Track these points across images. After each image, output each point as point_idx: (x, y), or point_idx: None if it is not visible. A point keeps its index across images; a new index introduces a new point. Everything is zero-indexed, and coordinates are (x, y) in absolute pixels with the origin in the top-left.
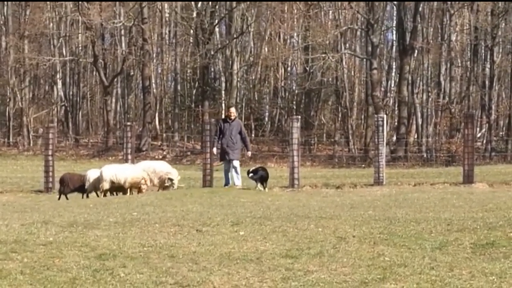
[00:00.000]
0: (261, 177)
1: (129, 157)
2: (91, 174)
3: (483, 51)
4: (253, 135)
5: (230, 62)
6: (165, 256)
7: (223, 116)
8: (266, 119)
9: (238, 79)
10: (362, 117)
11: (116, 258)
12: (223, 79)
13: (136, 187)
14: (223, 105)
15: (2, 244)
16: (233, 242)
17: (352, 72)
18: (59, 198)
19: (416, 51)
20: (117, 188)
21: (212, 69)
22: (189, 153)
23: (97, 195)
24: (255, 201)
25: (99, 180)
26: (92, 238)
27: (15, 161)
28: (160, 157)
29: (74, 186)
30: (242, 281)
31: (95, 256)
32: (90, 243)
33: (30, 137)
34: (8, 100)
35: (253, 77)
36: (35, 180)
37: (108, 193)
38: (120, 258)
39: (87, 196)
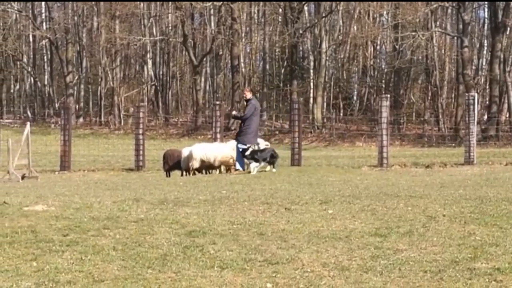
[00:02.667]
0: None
1: (218, 136)
2: (184, 152)
3: None
4: (341, 114)
5: (319, 41)
6: (254, 233)
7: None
8: (355, 98)
9: (327, 58)
10: (453, 95)
11: (206, 235)
12: (311, 58)
13: (225, 165)
14: (312, 84)
15: (95, 220)
16: (322, 220)
17: (443, 50)
18: (166, 176)
19: (508, 28)
20: (207, 166)
21: (301, 48)
22: (277, 132)
23: (187, 174)
24: (343, 180)
25: (189, 158)
26: (182, 216)
27: (106, 140)
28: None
29: (173, 162)
30: (331, 259)
31: (185, 233)
32: (180, 220)
33: (121, 116)
34: (99, 79)
35: (342, 56)
36: (125, 158)
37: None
38: (209, 235)
39: (181, 174)
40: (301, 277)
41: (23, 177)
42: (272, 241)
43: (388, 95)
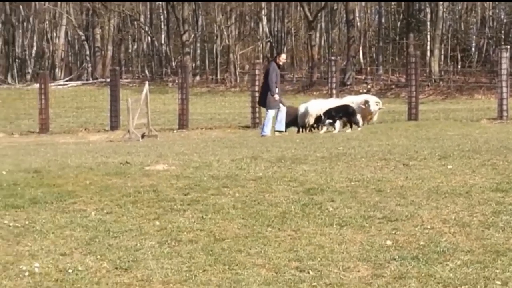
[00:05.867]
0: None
1: (334, 91)
2: (300, 109)
3: None
4: (459, 66)
5: None
6: (373, 190)
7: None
8: (473, 49)
9: (444, 9)
10: None
11: (324, 192)
12: (428, 10)
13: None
14: (428, 36)
15: (214, 179)
16: (441, 176)
17: None
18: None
19: None
20: None
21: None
22: (393, 86)
23: (303, 131)
24: (462, 134)
25: (305, 115)
26: (300, 173)
27: (223, 98)
28: (364, 91)
29: (290, 119)
30: (451, 215)
31: (304, 191)
32: (298, 178)
33: (237, 73)
34: (215, 37)
35: (460, 7)
36: (242, 116)
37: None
38: (328, 193)
39: (298, 131)
40: (421, 234)
41: (142, 136)
42: (391, 197)
43: (508, 46)
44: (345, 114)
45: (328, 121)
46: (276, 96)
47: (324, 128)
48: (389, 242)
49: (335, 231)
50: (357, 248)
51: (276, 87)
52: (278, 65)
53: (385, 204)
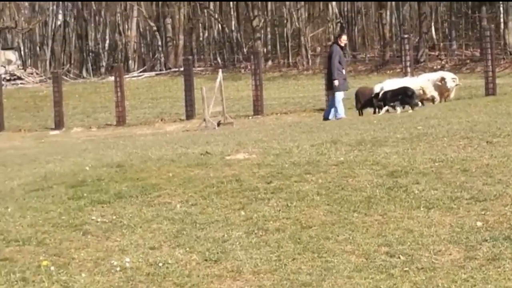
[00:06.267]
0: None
1: (408, 69)
2: (376, 89)
3: None
4: None
5: None
6: (458, 170)
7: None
8: None
9: None
10: None
11: (408, 175)
12: None
13: (420, 99)
14: (501, 8)
15: (296, 166)
16: None
17: None
18: (359, 114)
19: None
20: None
21: None
22: (468, 61)
23: (379, 111)
24: None
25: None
26: (382, 156)
27: (295, 81)
28: (439, 67)
29: (365, 100)
30: None
31: (387, 174)
32: (380, 161)
33: (309, 56)
34: (285, 21)
35: None
36: (316, 99)
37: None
38: (412, 175)
39: (373, 112)
40: (511, 213)
41: (218, 124)
42: (477, 177)
43: None
44: (404, 97)
45: (385, 108)
46: (336, 82)
47: (383, 110)
48: (479, 223)
49: (423, 214)
50: (446, 230)
51: (343, 68)
52: (341, 47)
53: (472, 184)
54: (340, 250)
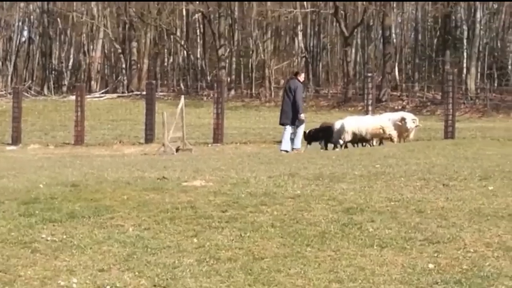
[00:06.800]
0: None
1: (370, 108)
2: (336, 125)
3: None
4: (495, 85)
5: (473, 9)
6: (413, 211)
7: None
8: (510, 67)
9: (481, 27)
10: None
11: (364, 212)
12: (465, 27)
13: (377, 138)
14: (465, 54)
15: (252, 196)
16: (482, 198)
17: None
18: (325, 148)
19: None
20: (359, 139)
21: (454, 18)
22: (429, 103)
23: (339, 147)
24: (501, 153)
25: (340, 131)
26: (338, 192)
27: (257, 112)
28: (400, 107)
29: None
30: (494, 239)
31: (343, 210)
32: (337, 197)
33: (272, 88)
34: (251, 52)
35: (497, 25)
36: (276, 130)
37: (350, 145)
38: (367, 213)
39: (334, 147)
40: (463, 257)
41: (177, 150)
42: (432, 219)
43: None
44: (325, 135)
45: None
46: (303, 115)
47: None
48: (431, 266)
49: (376, 252)
50: (398, 270)
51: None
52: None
53: (426, 225)
54: (291, 284)
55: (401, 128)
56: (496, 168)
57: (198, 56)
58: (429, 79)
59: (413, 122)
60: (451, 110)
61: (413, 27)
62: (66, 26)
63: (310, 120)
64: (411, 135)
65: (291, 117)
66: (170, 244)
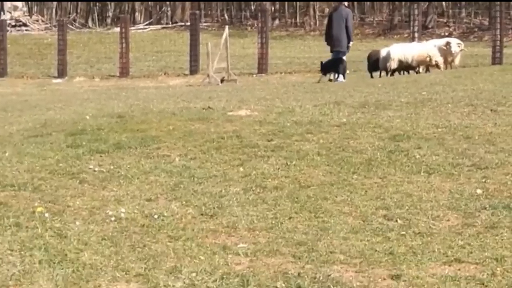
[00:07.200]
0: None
1: (416, 35)
2: (382, 52)
3: None
4: None
5: None
6: (460, 137)
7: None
8: None
9: None
10: None
11: (410, 139)
12: None
13: (424, 65)
14: None
15: (298, 125)
16: None
17: None
18: (371, 77)
19: None
20: (405, 67)
21: None
22: (476, 29)
23: (386, 74)
24: None
25: (386, 59)
26: (384, 119)
27: (302, 41)
28: (447, 34)
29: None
30: None
31: (389, 137)
32: (383, 124)
33: (317, 17)
34: None
35: None
36: (321, 60)
37: (396, 73)
38: (414, 139)
39: (379, 75)
40: None
41: (222, 80)
42: (480, 144)
43: None
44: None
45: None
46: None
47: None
48: (479, 191)
49: (423, 179)
50: (446, 196)
51: None
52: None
53: (474, 151)
54: (337, 211)
55: (446, 53)
56: None
57: None
58: (476, 4)
59: (458, 46)
60: (498, 36)
61: None
62: None
63: (356, 48)
64: (457, 60)
65: (345, 44)
66: (216, 174)
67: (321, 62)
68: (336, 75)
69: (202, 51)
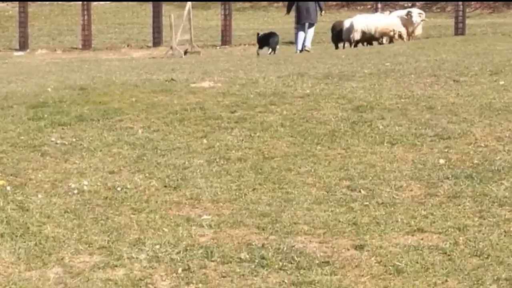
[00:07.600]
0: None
1: (379, 5)
2: (345, 24)
3: None
4: None
5: None
6: (423, 107)
7: None
8: None
9: None
10: None
11: (374, 110)
12: None
13: (387, 37)
14: None
15: (261, 96)
16: (493, 92)
17: None
18: (336, 48)
19: None
20: (368, 38)
21: None
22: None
23: (350, 46)
24: None
25: (350, 30)
26: (348, 90)
27: (265, 13)
28: (409, 5)
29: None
30: (505, 133)
31: (352, 108)
32: (346, 95)
33: None
34: None
35: None
36: (285, 31)
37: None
38: (377, 110)
39: (343, 47)
40: (474, 152)
41: (185, 52)
42: (442, 115)
43: None
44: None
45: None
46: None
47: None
48: (442, 161)
49: (386, 149)
50: (409, 166)
51: None
52: None
53: (437, 121)
54: (301, 182)
55: (407, 23)
56: (507, 63)
57: None
58: None
59: (419, 16)
60: (461, 6)
61: None
62: None
63: (319, 19)
64: (418, 31)
65: (314, 16)
66: (179, 146)
67: (257, 34)
68: (300, 45)
69: (165, 23)
